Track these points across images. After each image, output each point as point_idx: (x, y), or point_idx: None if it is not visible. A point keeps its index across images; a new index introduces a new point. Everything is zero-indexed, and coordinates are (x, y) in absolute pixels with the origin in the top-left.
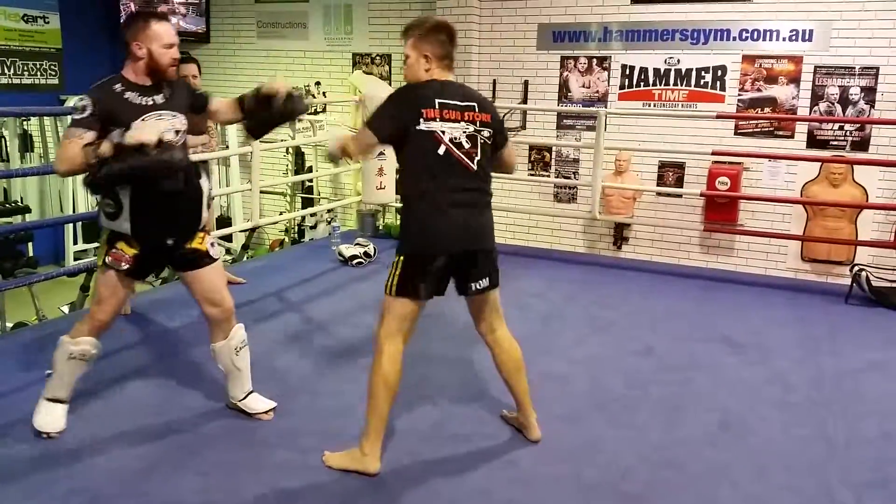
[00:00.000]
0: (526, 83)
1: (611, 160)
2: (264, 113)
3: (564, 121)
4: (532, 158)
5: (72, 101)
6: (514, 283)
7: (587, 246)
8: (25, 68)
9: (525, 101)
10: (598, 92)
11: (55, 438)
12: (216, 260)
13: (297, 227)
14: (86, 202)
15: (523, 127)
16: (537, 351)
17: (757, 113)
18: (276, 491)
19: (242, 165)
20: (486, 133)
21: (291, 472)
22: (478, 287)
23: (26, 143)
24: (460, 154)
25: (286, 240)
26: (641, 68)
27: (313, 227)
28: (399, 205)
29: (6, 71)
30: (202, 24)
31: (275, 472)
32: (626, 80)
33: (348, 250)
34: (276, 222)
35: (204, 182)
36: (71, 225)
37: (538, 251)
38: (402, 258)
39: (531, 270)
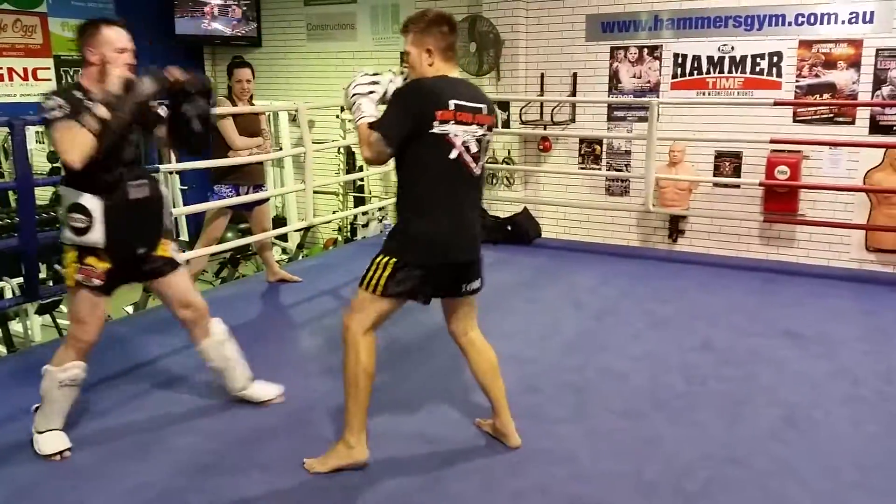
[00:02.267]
0: (575, 75)
1: (664, 151)
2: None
3: (615, 112)
4: (582, 151)
5: (46, 103)
6: (568, 278)
7: (641, 239)
8: None
9: (574, 93)
10: (649, 82)
11: (67, 458)
12: (180, 264)
13: (350, 226)
14: None
15: (573, 120)
16: (593, 348)
17: (816, 99)
18: (340, 484)
19: (296, 166)
20: (488, 137)
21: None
22: (471, 288)
23: None
24: (468, 159)
25: (339, 238)
26: (694, 56)
27: (365, 226)
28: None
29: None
30: (254, 29)
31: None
32: (679, 69)
33: None
34: (330, 221)
35: (164, 189)
36: None
37: (591, 245)
38: (393, 261)
39: (585, 265)
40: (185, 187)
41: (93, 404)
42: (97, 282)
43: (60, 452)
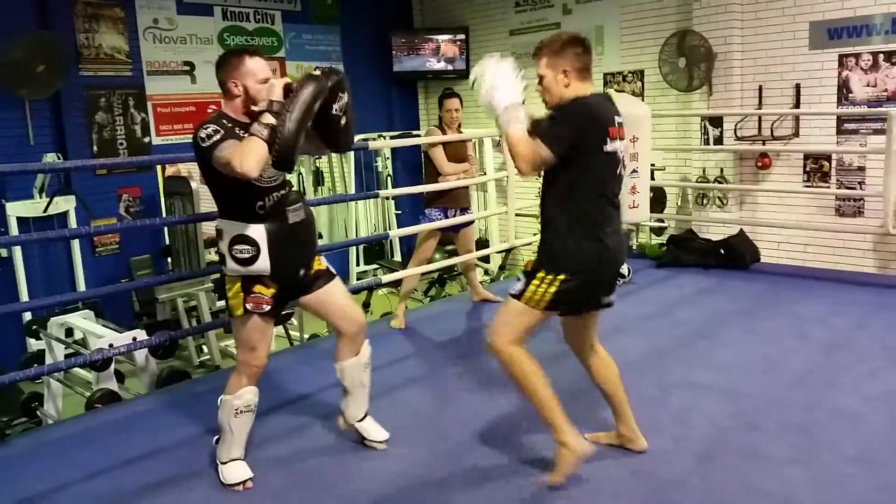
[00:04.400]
0: (798, 86)
1: None
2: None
3: (846, 125)
4: (807, 168)
5: (202, 133)
6: (792, 306)
7: (879, 266)
8: None
9: (797, 105)
10: (886, 90)
11: (249, 487)
12: (335, 276)
13: None
14: (367, 227)
15: (796, 134)
16: (822, 384)
17: None
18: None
19: (499, 190)
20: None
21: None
22: (611, 300)
23: (318, 178)
24: (623, 171)
25: None
26: None
27: None
28: (655, 223)
29: None
30: (463, 61)
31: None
32: None
33: None
34: (530, 243)
35: (310, 210)
36: (354, 248)
37: (818, 272)
38: (560, 277)
39: (810, 293)
40: (399, 211)
41: (270, 430)
42: (266, 307)
43: (243, 482)
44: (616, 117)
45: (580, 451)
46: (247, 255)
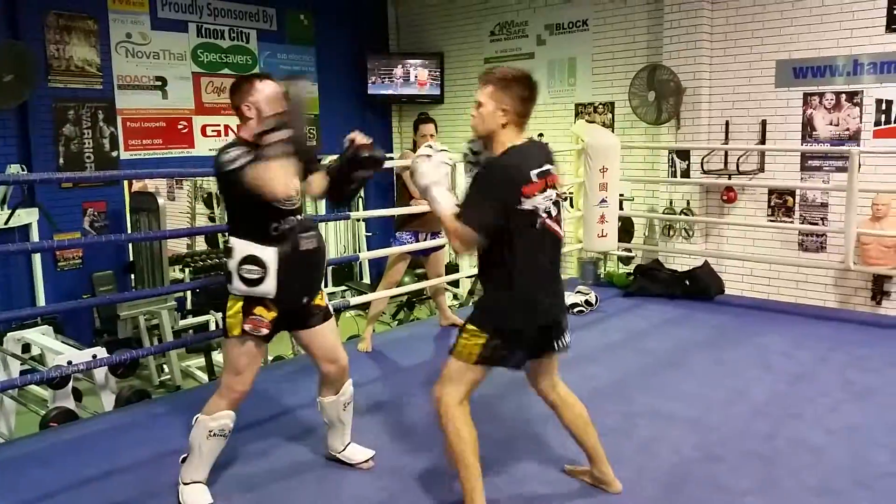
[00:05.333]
0: (763, 122)
1: (866, 204)
2: (346, 176)
3: (810, 162)
4: (772, 203)
5: (227, 156)
6: (755, 339)
7: (840, 301)
8: None
9: (763, 141)
10: (848, 129)
11: None
12: (332, 316)
13: None
14: (337, 249)
15: (761, 169)
16: (784, 416)
17: None
18: None
19: None
20: (561, 195)
21: None
22: (564, 343)
23: None
24: (550, 223)
25: None
26: None
27: None
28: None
29: None
30: (437, 87)
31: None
32: (882, 116)
33: (569, 298)
34: None
35: (322, 239)
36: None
37: (781, 305)
38: (486, 333)
39: (774, 326)
40: (370, 234)
41: (235, 451)
42: (264, 331)
43: None
44: (535, 170)
45: None
46: (255, 276)
